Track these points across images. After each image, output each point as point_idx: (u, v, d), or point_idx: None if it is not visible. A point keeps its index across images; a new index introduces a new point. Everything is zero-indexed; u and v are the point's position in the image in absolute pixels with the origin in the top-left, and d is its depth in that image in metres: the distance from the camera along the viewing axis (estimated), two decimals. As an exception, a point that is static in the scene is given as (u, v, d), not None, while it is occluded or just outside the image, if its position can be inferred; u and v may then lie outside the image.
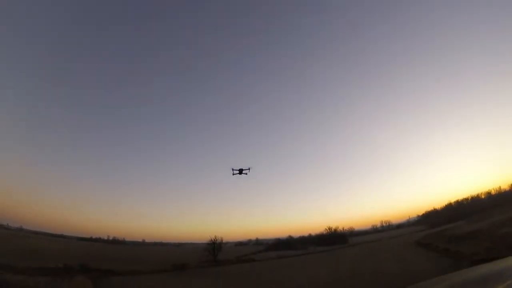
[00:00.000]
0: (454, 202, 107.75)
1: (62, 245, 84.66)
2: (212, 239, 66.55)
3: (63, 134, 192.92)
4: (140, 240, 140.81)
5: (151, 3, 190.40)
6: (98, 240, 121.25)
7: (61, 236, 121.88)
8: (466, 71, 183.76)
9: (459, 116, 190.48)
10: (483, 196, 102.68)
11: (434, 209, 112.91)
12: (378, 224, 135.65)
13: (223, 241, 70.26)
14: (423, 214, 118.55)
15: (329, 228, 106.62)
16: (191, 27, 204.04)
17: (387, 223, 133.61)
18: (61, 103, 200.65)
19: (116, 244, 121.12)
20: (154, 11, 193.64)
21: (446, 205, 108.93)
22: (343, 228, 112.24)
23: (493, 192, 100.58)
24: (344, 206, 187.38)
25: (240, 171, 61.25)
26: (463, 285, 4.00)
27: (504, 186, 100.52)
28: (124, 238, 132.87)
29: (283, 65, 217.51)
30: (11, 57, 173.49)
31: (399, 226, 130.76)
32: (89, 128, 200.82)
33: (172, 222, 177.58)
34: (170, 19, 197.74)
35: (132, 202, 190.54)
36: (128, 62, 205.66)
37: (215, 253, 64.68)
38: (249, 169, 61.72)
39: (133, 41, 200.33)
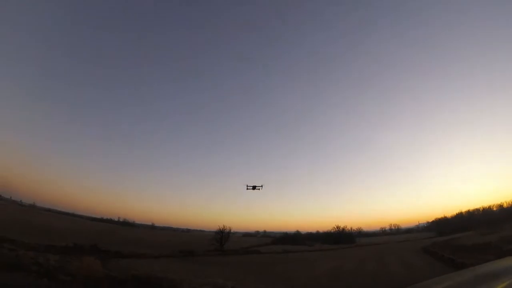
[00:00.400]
0: (465, 211, 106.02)
1: (73, 224, 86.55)
2: (221, 228, 67.61)
3: (79, 115, 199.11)
4: (150, 223, 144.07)
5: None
6: (108, 221, 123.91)
7: (73, 215, 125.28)
8: (486, 82, 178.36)
9: (477, 128, 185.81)
10: (494, 208, 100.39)
11: (445, 217, 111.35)
12: (387, 227, 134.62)
13: (231, 231, 71.04)
14: (433, 221, 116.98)
15: (337, 227, 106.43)
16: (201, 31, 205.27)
17: (396, 227, 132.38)
18: (79, 96, 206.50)
19: (126, 226, 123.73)
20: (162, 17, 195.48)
21: (456, 214, 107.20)
22: (351, 228, 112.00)
23: (505, 205, 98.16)
24: (354, 206, 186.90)
25: (254, 187, 66.32)
26: (463, 285, 4.04)
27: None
28: (134, 220, 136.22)
29: (292, 69, 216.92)
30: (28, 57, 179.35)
31: (408, 230, 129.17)
32: (111, 114, 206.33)
33: (183, 208, 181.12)
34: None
35: (144, 186, 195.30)
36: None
37: (222, 243, 65.67)
38: (261, 186, 66.91)
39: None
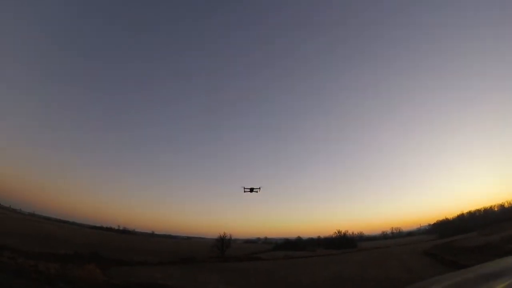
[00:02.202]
0: (467, 212, 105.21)
1: (73, 232, 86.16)
2: (221, 235, 67.55)
3: (78, 121, 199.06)
4: (150, 231, 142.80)
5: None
6: (108, 229, 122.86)
7: (72, 223, 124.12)
8: (485, 82, 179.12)
9: (477, 127, 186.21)
10: (496, 209, 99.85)
11: (446, 218, 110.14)
12: (388, 231, 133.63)
13: (232, 238, 71.05)
14: (434, 223, 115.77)
15: (338, 232, 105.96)
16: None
17: (397, 230, 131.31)
18: (78, 99, 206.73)
19: (126, 234, 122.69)
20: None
21: (458, 215, 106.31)
22: (352, 233, 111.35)
23: (506, 205, 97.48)
24: (355, 211, 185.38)
25: (251, 190, 66.73)
26: (463, 285, 4.06)
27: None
28: (134, 228, 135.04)
29: (291, 69, 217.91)
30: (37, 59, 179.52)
31: (410, 233, 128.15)
32: (109, 117, 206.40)
33: (183, 215, 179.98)
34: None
35: (143, 194, 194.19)
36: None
37: (223, 249, 65.53)
38: (259, 188, 67.46)
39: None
